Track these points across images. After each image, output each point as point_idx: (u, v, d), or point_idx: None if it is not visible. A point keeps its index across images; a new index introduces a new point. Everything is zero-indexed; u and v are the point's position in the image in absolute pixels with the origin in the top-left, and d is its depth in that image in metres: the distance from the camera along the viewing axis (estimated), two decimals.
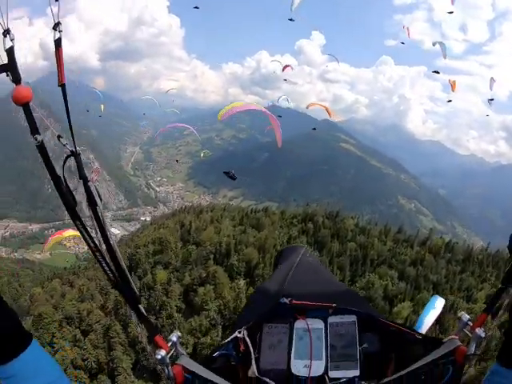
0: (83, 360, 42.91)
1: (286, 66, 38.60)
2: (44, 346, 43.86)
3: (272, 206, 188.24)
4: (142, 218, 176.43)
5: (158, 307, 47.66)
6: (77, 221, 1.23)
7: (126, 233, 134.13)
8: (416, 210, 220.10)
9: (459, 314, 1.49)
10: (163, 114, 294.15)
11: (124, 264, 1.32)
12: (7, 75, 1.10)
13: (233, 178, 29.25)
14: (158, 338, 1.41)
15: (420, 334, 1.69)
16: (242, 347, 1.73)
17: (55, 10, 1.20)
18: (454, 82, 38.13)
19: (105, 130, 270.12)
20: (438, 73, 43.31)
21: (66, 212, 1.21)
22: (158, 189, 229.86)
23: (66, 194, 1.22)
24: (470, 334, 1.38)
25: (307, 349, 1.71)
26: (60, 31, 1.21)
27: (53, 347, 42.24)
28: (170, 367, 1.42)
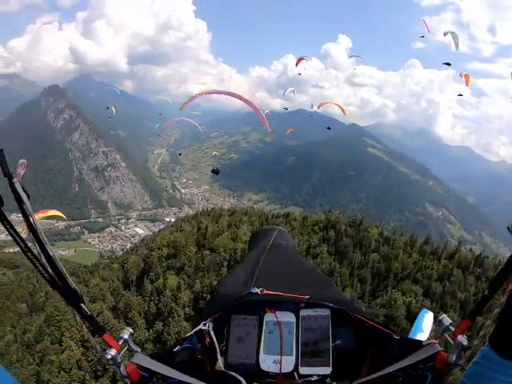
0: (88, 361, 41.90)
1: (300, 60, 35.81)
2: (54, 344, 43.71)
3: (296, 211, 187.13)
4: (167, 219, 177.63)
5: (166, 314, 46.31)
6: (4, 221, 1.12)
7: (150, 233, 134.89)
8: (443, 218, 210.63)
9: (440, 317, 1.41)
10: (189, 117, 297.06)
11: (60, 263, 1.24)
12: None
13: (217, 172, 30.94)
14: (107, 337, 1.33)
15: (398, 335, 1.55)
16: (207, 340, 1.61)
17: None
18: (467, 75, 35.32)
19: (133, 131, 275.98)
20: (449, 64, 39.66)
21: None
22: (183, 190, 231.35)
23: None
24: (451, 341, 1.30)
25: (277, 344, 1.58)
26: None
27: (61, 345, 42.63)
28: (122, 366, 1.33)
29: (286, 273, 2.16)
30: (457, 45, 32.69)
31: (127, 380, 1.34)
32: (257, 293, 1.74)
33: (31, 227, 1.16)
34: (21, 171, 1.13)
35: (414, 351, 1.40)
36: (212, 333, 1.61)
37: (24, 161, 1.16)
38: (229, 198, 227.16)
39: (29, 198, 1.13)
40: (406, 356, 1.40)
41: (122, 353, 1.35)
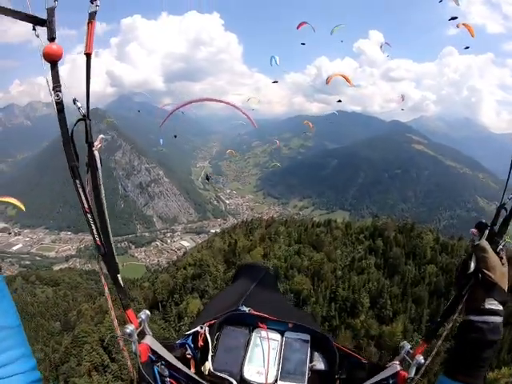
0: None
1: (302, 24, 31.33)
2: (79, 366, 40.81)
3: (343, 215, 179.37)
4: (212, 231, 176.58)
5: None
6: (76, 180, 1.28)
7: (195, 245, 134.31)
8: None
9: (401, 344, 1.59)
10: (231, 127, 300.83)
11: (111, 236, 1.38)
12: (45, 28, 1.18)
13: (208, 178, 39.14)
14: (130, 313, 1.45)
15: (366, 359, 1.79)
16: (200, 342, 1.76)
17: None
18: (468, 25, 30.55)
19: (175, 146, 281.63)
20: (455, 18, 32.26)
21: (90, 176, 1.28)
22: (227, 201, 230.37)
23: (70, 152, 1.28)
24: (410, 361, 1.48)
25: (262, 356, 1.74)
26: (97, 5, 1.27)
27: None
28: (136, 343, 1.41)
29: (273, 302, 2.35)
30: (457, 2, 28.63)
31: (138, 358, 1.42)
32: (245, 311, 1.91)
33: (98, 196, 1.30)
34: (99, 144, 1.30)
35: (379, 372, 1.61)
36: (208, 336, 1.75)
37: (103, 136, 1.32)
38: (274, 206, 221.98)
39: (102, 166, 1.29)
40: (371, 377, 1.62)
41: (138, 330, 1.44)
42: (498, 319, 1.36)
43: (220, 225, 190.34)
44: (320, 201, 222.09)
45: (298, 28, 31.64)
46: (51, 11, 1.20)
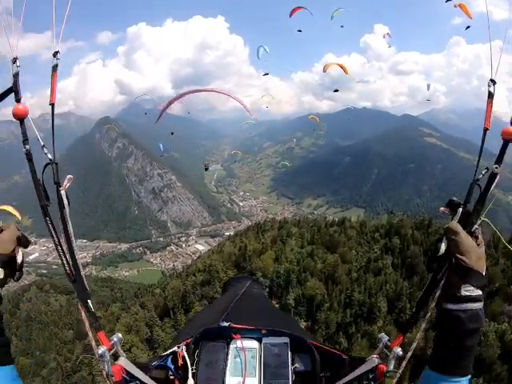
0: None
1: (296, 9, 28.91)
2: (90, 375, 40.39)
3: (358, 212, 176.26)
4: (227, 234, 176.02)
5: None
6: (46, 217, 1.38)
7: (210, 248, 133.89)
8: None
9: (379, 336, 1.61)
10: (242, 130, 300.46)
11: (80, 262, 1.50)
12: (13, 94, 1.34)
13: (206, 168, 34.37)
14: (101, 335, 1.50)
15: (346, 355, 1.84)
16: (180, 361, 1.80)
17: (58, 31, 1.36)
18: (463, 5, 27.95)
19: (186, 151, 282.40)
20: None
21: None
22: (241, 203, 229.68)
23: (41, 193, 1.38)
24: (388, 353, 1.50)
25: (241, 366, 1.79)
26: (57, 59, 1.39)
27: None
28: (109, 364, 1.48)
29: (254, 311, 2.41)
30: None
31: (112, 378, 1.49)
32: (225, 326, 1.94)
33: (66, 229, 1.41)
34: (67, 183, 1.45)
35: (358, 366, 1.65)
36: (186, 354, 1.79)
37: (71, 176, 1.47)
38: (288, 206, 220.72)
39: (69, 204, 1.43)
40: (352, 371, 1.67)
41: (111, 352, 1.51)
42: (477, 305, 1.30)
43: (234, 227, 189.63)
44: (334, 199, 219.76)
45: (290, 16, 28.90)
46: (16, 76, 1.33)
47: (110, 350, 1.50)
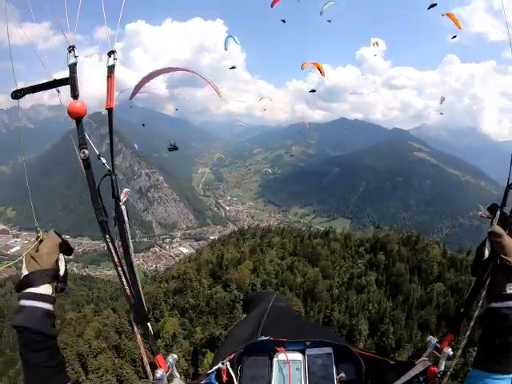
0: None
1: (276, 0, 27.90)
2: None
3: (344, 223, 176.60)
4: (211, 237, 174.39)
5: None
6: (106, 234, 1.33)
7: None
8: None
9: (428, 338, 1.64)
10: (233, 134, 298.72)
11: (140, 281, 1.44)
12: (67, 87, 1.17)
13: (175, 147, 33.13)
14: (159, 358, 1.54)
15: (393, 360, 1.84)
16: (224, 378, 1.81)
17: (112, 34, 1.24)
18: (452, 14, 29.21)
19: (176, 152, 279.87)
20: (435, 5, 30.25)
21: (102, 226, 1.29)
22: (227, 208, 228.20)
23: (99, 207, 1.31)
24: (438, 355, 1.53)
25: (287, 380, 1.79)
26: (115, 59, 1.27)
27: None
28: None
29: (289, 325, 2.43)
30: None
31: None
32: (266, 340, 1.96)
33: (127, 247, 1.35)
34: (124, 197, 1.35)
35: (408, 371, 1.65)
36: (231, 370, 1.81)
37: (128, 190, 1.35)
38: (274, 213, 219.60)
39: (129, 219, 1.34)
40: (399, 377, 1.66)
41: (168, 373, 1.54)
42: None
43: (220, 231, 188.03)
44: (321, 208, 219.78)
45: (272, 6, 27.58)
46: (73, 68, 1.19)
47: (166, 371, 1.53)
